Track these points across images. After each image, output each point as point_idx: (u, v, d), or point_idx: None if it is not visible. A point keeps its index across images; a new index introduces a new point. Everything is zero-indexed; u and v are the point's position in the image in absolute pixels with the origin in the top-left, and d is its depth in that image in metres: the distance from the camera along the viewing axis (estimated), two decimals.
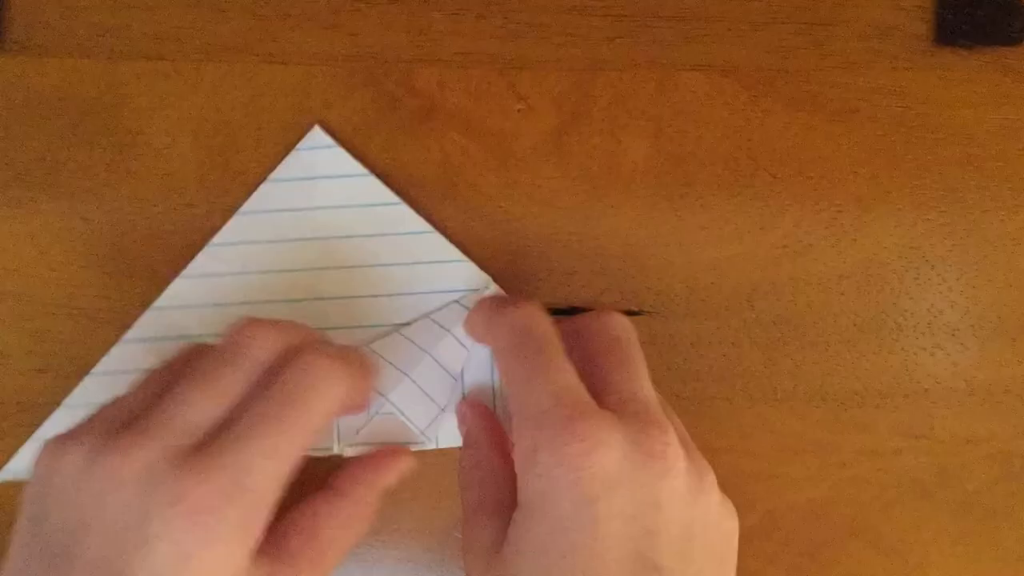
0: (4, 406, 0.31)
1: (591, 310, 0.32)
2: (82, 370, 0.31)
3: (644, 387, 0.26)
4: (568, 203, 0.32)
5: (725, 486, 0.32)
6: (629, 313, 0.32)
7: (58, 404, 0.31)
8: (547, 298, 0.32)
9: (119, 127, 0.31)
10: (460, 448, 0.30)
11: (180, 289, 0.31)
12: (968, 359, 0.33)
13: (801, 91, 0.32)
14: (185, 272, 0.31)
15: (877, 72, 0.32)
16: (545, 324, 0.27)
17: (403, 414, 0.31)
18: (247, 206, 0.31)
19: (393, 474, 0.29)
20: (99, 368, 0.31)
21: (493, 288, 0.31)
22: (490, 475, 0.28)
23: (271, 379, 0.25)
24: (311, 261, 0.31)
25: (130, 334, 0.31)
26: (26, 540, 0.23)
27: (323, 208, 0.31)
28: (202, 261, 0.31)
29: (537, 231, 0.32)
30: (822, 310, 0.32)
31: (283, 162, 0.31)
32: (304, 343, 0.26)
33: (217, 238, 0.31)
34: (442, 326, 0.31)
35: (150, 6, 0.31)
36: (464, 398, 0.31)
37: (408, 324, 0.31)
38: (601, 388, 0.26)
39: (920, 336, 0.33)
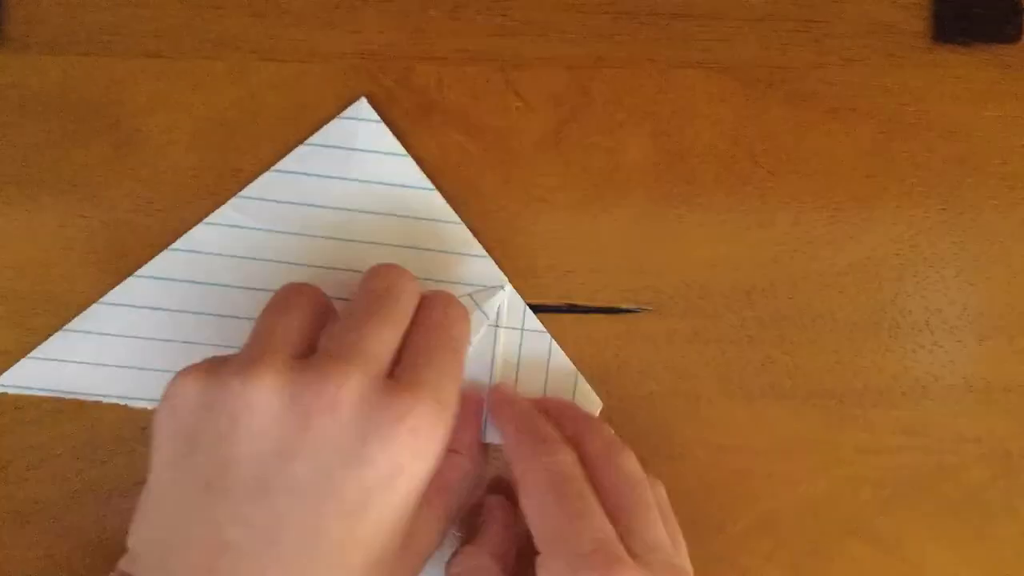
0: (3, 403, 0.31)
1: (589, 309, 0.32)
2: None
3: (660, 532, 0.27)
4: (566, 201, 0.32)
5: (723, 484, 0.32)
6: (627, 311, 0.32)
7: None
8: (545, 296, 0.32)
9: (118, 125, 0.31)
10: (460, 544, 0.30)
11: (200, 235, 0.31)
12: (966, 357, 0.33)
13: (799, 88, 0.32)
14: (208, 219, 0.31)
15: (875, 69, 0.32)
16: (579, 470, 0.27)
17: None
18: (281, 165, 0.31)
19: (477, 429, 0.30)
20: (107, 298, 0.31)
21: (508, 289, 0.31)
22: None
23: (422, 316, 0.27)
24: (334, 230, 0.31)
25: (143, 270, 0.31)
26: (189, 474, 0.24)
27: (356, 180, 0.31)
28: (227, 211, 0.31)
29: (535, 228, 0.32)
30: (820, 308, 0.32)
31: (324, 127, 0.31)
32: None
33: (245, 191, 0.31)
34: None
35: (148, 4, 0.31)
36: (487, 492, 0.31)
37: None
38: (623, 531, 0.26)
39: (918, 334, 0.33)
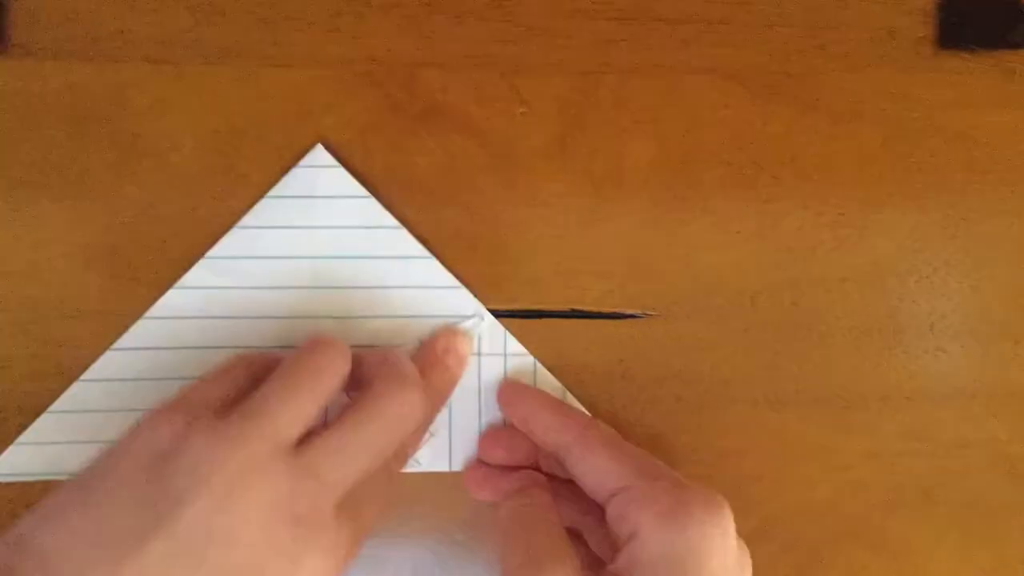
0: (4, 410, 0.31)
1: (594, 314, 0.32)
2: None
3: None
4: (571, 206, 0.32)
5: (727, 489, 0.32)
6: (631, 316, 0.32)
7: None
8: (550, 301, 0.32)
9: (121, 130, 0.31)
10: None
11: (174, 300, 0.31)
12: (970, 361, 0.33)
13: (804, 94, 0.32)
14: (179, 283, 0.31)
15: (880, 75, 0.32)
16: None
17: None
18: (245, 220, 0.31)
19: None
20: (89, 374, 0.31)
21: (487, 317, 0.31)
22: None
23: (354, 403, 0.26)
24: (307, 279, 0.31)
25: (121, 342, 0.31)
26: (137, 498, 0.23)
27: (322, 227, 0.31)
28: (198, 273, 0.31)
29: (540, 234, 0.32)
30: (825, 313, 0.32)
31: (283, 179, 0.31)
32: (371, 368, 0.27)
33: (214, 251, 0.31)
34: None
35: (153, 10, 0.31)
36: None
37: (399, 348, 0.31)
38: None
39: (922, 338, 0.33)
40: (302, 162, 0.31)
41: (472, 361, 0.31)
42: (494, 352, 0.32)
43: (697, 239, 0.32)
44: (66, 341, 0.31)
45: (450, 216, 0.32)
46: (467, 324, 0.31)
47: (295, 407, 0.25)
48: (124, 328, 0.31)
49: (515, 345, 0.32)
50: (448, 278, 0.31)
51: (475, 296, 0.32)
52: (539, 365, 0.32)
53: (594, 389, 0.32)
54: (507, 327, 0.32)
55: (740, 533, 0.32)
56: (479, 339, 0.31)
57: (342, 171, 0.31)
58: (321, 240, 0.31)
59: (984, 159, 0.33)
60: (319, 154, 0.31)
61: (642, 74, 0.32)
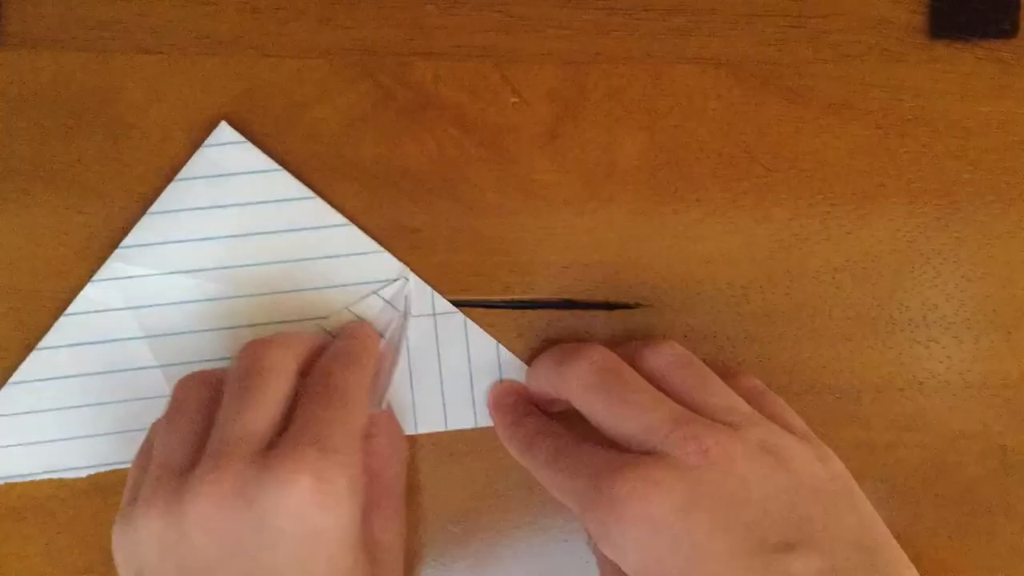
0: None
1: (586, 305, 0.32)
2: None
3: (732, 396, 0.27)
4: (562, 197, 0.32)
5: None
6: (623, 307, 0.32)
7: None
8: (542, 292, 0.32)
9: (114, 121, 0.31)
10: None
11: (92, 294, 0.31)
12: (963, 353, 0.33)
13: (795, 84, 0.32)
14: (96, 276, 0.31)
15: (871, 65, 0.32)
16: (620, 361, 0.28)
17: None
18: (155, 207, 0.31)
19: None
20: (16, 378, 0.31)
21: (412, 277, 0.31)
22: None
23: (309, 372, 0.27)
24: (227, 259, 0.31)
25: (44, 341, 0.31)
26: None
27: (235, 205, 0.31)
28: (113, 264, 0.31)
29: (531, 224, 0.32)
30: (817, 304, 0.32)
31: (190, 160, 0.31)
32: (313, 349, 0.29)
33: (127, 240, 0.31)
34: (361, 318, 0.31)
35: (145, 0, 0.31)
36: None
37: (327, 318, 0.31)
38: (695, 409, 0.26)
39: (915, 330, 0.33)
40: (208, 141, 0.31)
41: (401, 324, 0.31)
42: (423, 313, 0.31)
43: (689, 229, 0.32)
44: None
45: (441, 207, 0.32)
46: (392, 287, 0.31)
47: (253, 416, 0.25)
48: None
49: (443, 303, 0.32)
50: (370, 243, 0.31)
51: (459, 284, 0.32)
52: (469, 321, 0.32)
53: None
54: (499, 318, 0.32)
55: None
56: (406, 301, 0.31)
57: (249, 146, 0.31)
58: (236, 218, 0.31)
59: (976, 149, 0.32)
60: (224, 131, 0.31)
61: (633, 64, 0.32)
